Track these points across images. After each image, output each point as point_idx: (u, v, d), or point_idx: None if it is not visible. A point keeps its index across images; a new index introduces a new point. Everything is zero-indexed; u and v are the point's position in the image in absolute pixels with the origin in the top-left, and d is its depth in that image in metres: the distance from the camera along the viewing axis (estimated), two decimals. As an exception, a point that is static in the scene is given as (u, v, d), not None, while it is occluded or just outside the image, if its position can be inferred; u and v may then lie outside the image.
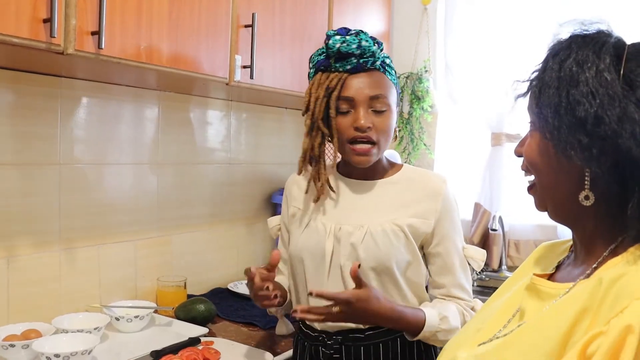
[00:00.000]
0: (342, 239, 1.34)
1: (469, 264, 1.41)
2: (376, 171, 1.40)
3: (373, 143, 1.31)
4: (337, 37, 1.30)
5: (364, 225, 1.33)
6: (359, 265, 1.20)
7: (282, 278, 1.53)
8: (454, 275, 1.37)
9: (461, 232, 1.41)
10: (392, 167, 1.43)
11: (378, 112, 1.31)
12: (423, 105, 2.51)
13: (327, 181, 1.37)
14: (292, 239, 1.44)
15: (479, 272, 2.36)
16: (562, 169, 0.78)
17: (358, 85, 1.30)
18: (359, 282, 1.20)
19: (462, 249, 1.39)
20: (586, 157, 0.73)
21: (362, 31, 1.33)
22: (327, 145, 1.37)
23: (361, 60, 1.30)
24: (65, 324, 1.54)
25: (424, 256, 1.38)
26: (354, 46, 1.29)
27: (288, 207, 1.49)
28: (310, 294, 1.19)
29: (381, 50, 1.35)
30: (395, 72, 1.39)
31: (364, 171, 1.39)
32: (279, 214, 1.58)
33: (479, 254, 1.42)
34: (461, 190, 2.38)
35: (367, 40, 1.30)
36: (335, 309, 1.19)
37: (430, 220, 1.34)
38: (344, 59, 1.30)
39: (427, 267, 1.39)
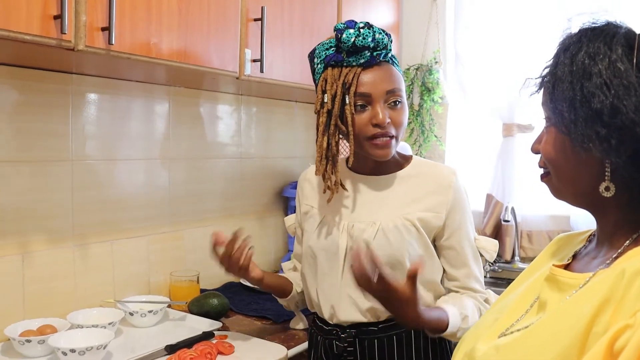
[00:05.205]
0: (355, 236, 1.33)
1: (481, 255, 1.40)
2: (387, 165, 1.38)
3: (392, 136, 1.29)
4: (351, 31, 1.25)
5: (376, 221, 1.32)
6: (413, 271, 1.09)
7: (295, 275, 1.53)
8: (467, 267, 1.36)
9: (472, 223, 1.40)
10: (402, 159, 1.41)
11: (394, 106, 1.29)
12: (433, 96, 2.50)
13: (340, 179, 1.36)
14: (306, 236, 1.43)
15: (492, 263, 2.35)
16: (581, 162, 0.78)
17: (373, 80, 1.27)
18: (413, 283, 1.10)
19: (474, 240, 1.39)
20: (605, 149, 0.73)
21: (369, 23, 1.29)
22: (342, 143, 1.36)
23: (374, 54, 1.27)
24: (80, 320, 1.55)
25: (437, 249, 1.37)
26: (370, 39, 1.25)
27: (300, 205, 1.48)
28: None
29: (391, 42, 1.34)
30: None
31: (375, 166, 1.38)
32: (290, 207, 1.57)
33: (491, 245, 1.41)
34: (473, 182, 2.37)
35: (380, 33, 1.27)
36: (375, 276, 1.07)
37: (442, 214, 1.33)
38: (358, 52, 1.26)
39: (440, 260, 1.38)
